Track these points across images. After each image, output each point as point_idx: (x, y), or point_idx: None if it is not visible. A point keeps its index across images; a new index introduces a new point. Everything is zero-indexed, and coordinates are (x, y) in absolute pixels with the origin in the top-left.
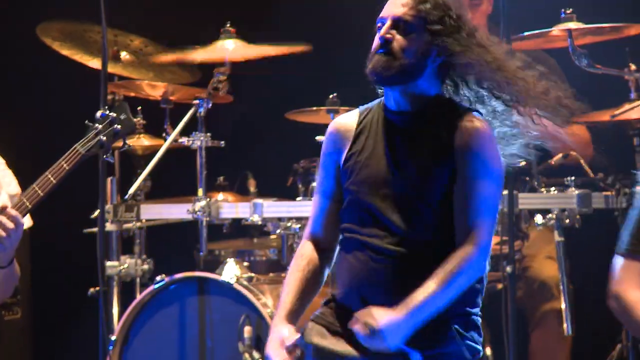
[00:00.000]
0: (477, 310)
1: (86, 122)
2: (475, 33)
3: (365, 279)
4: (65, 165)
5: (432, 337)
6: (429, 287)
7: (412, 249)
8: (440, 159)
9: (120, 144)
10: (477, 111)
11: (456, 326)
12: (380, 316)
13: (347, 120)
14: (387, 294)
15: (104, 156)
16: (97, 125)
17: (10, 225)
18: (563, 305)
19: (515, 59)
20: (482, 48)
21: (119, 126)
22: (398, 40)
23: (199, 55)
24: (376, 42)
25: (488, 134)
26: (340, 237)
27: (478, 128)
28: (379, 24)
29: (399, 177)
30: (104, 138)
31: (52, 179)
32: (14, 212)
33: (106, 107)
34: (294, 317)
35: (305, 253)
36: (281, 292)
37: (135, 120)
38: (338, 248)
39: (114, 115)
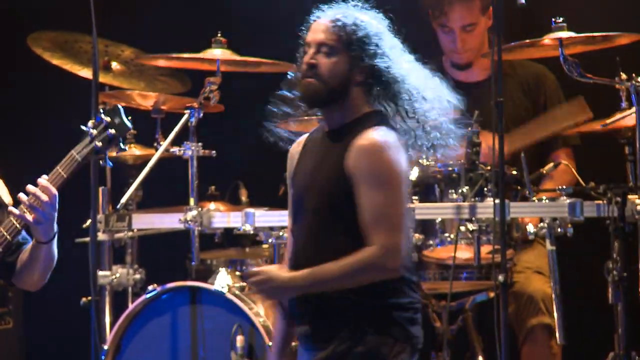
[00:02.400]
0: (392, 303)
1: (81, 126)
2: (394, 53)
3: None
4: (62, 172)
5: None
6: (329, 266)
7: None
8: (334, 176)
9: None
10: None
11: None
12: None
13: (299, 141)
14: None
15: (100, 162)
16: (91, 130)
17: (44, 197)
18: (555, 314)
19: (431, 83)
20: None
21: (113, 130)
22: (323, 63)
23: (190, 63)
24: (302, 68)
25: (378, 148)
26: None
27: (365, 145)
28: (305, 50)
29: (311, 192)
30: (100, 144)
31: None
32: (44, 182)
33: (100, 110)
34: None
35: None
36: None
37: (129, 123)
38: None
39: (108, 119)
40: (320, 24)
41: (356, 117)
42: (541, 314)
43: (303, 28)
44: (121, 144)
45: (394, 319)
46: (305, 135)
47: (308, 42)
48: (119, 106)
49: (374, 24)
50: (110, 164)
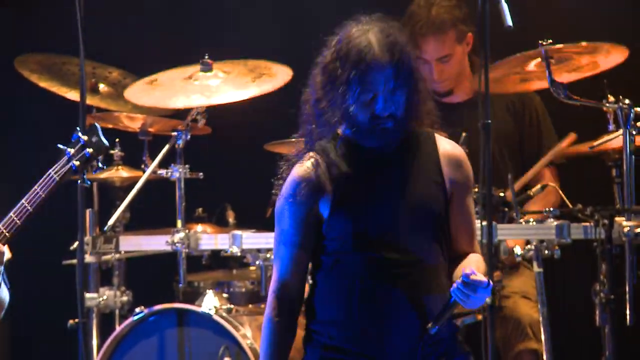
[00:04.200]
0: None
1: (58, 145)
2: None
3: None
4: (40, 192)
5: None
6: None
7: None
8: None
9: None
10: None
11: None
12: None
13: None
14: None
15: (79, 181)
16: (69, 149)
17: None
18: (543, 337)
19: None
20: None
21: (90, 149)
22: None
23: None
24: None
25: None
26: None
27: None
28: None
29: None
30: (77, 163)
31: (28, 206)
32: None
33: (77, 129)
34: None
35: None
36: (266, 352)
37: (106, 142)
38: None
39: (86, 138)
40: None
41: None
42: (528, 339)
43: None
44: (99, 163)
45: None
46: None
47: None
48: (97, 125)
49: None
50: (89, 182)
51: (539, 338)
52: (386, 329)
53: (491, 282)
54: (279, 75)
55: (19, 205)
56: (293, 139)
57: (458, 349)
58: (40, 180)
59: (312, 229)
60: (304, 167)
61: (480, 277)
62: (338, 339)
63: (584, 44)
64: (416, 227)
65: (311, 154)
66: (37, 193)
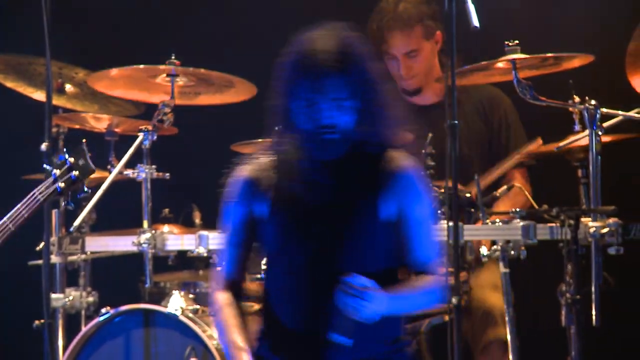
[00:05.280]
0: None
1: (44, 166)
2: None
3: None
4: (24, 212)
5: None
6: (408, 293)
7: None
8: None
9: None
10: None
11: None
12: (369, 284)
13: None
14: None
15: (63, 203)
16: (55, 170)
17: None
18: (509, 337)
19: None
20: None
21: (76, 172)
22: None
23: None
24: None
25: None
26: None
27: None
28: None
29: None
30: (62, 184)
31: (10, 225)
32: None
33: (65, 150)
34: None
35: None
36: (223, 328)
37: (93, 165)
38: None
39: (72, 160)
40: None
41: None
42: (498, 328)
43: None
44: (84, 187)
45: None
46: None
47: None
48: (84, 148)
49: None
50: (72, 205)
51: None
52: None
53: (375, 291)
54: (241, 90)
55: (1, 223)
56: (260, 140)
57: None
58: (24, 200)
59: (251, 232)
60: (247, 169)
61: (359, 282)
62: (259, 347)
63: (549, 54)
64: (345, 241)
65: (261, 157)
66: (21, 212)
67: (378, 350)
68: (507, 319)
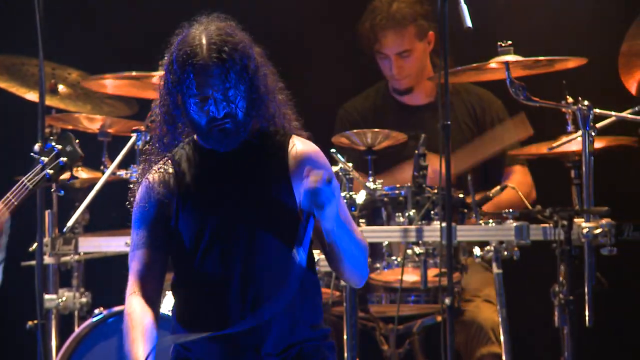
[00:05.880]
0: None
1: (32, 154)
2: None
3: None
4: (13, 200)
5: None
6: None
7: None
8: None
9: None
10: None
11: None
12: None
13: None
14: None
15: (52, 190)
16: (42, 157)
17: None
18: (502, 337)
19: None
20: None
21: (64, 158)
22: None
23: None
24: None
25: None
26: None
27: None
28: None
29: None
30: (51, 171)
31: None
32: None
33: (51, 138)
34: None
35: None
36: (126, 338)
37: (80, 151)
38: None
39: (59, 147)
40: None
41: None
42: (490, 343)
43: None
44: (72, 173)
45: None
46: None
47: None
48: (71, 134)
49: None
50: (62, 191)
51: (500, 341)
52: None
53: (331, 180)
54: None
55: None
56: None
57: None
58: (14, 188)
59: (164, 231)
60: (152, 172)
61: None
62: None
63: (541, 58)
64: (255, 228)
65: (162, 159)
66: (10, 200)
67: (305, 335)
68: (500, 319)
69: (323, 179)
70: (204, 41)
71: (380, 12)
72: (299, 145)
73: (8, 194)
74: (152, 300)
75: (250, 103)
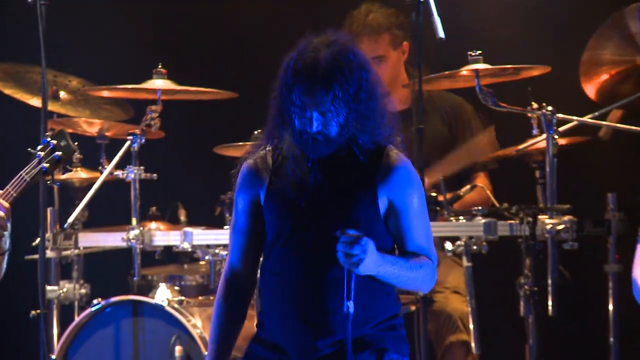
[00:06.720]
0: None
1: (29, 149)
2: None
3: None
4: (12, 191)
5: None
6: (403, 261)
7: None
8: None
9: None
10: None
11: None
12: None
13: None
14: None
15: (48, 182)
16: (39, 152)
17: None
18: (471, 326)
19: None
20: None
21: (59, 153)
22: None
23: (133, 93)
24: None
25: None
26: None
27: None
28: None
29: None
30: (47, 165)
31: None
32: None
33: (47, 134)
34: None
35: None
36: (211, 336)
37: (74, 146)
38: None
39: (55, 142)
40: None
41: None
42: (459, 332)
43: None
44: (67, 166)
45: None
46: (268, 152)
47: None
48: (65, 130)
49: None
50: (58, 183)
51: (468, 330)
52: (296, 323)
53: (363, 238)
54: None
55: None
56: (240, 143)
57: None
58: (12, 180)
59: (258, 218)
60: (251, 159)
61: (351, 233)
62: (262, 332)
63: (509, 66)
64: (334, 228)
65: (263, 148)
66: (9, 192)
67: (368, 330)
68: (469, 310)
69: (352, 240)
70: (320, 60)
71: (357, 20)
72: (392, 156)
73: (7, 186)
74: (242, 286)
75: (347, 123)
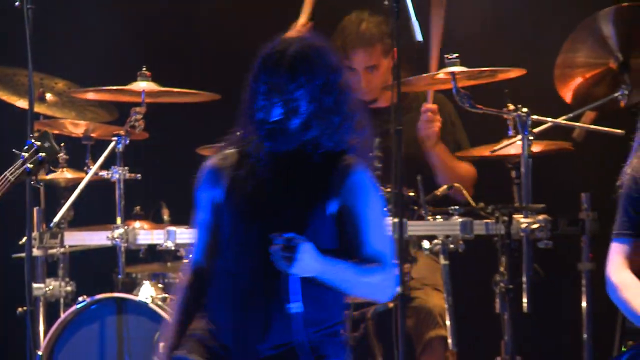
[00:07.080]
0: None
1: (13, 150)
2: None
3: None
4: None
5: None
6: (349, 266)
7: None
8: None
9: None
10: None
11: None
12: (304, 241)
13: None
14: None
15: (32, 182)
16: (23, 153)
17: None
18: (448, 323)
19: None
20: None
21: (43, 154)
22: None
23: (118, 95)
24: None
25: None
26: None
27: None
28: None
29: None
30: (31, 165)
31: None
32: None
33: (31, 136)
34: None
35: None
36: (175, 317)
37: (57, 147)
38: None
39: (39, 143)
40: None
41: None
42: (438, 327)
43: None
44: (51, 166)
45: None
46: (232, 150)
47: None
48: (48, 132)
49: None
50: (41, 183)
51: (447, 325)
52: (238, 324)
53: (297, 240)
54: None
55: None
56: (222, 144)
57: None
58: None
59: (219, 215)
60: (213, 158)
61: (286, 236)
62: (212, 330)
63: (485, 69)
64: (281, 229)
65: (229, 147)
66: None
67: (312, 335)
68: (446, 306)
69: (282, 243)
70: (289, 50)
71: (350, 31)
72: (349, 161)
73: None
74: (202, 278)
75: (312, 119)
